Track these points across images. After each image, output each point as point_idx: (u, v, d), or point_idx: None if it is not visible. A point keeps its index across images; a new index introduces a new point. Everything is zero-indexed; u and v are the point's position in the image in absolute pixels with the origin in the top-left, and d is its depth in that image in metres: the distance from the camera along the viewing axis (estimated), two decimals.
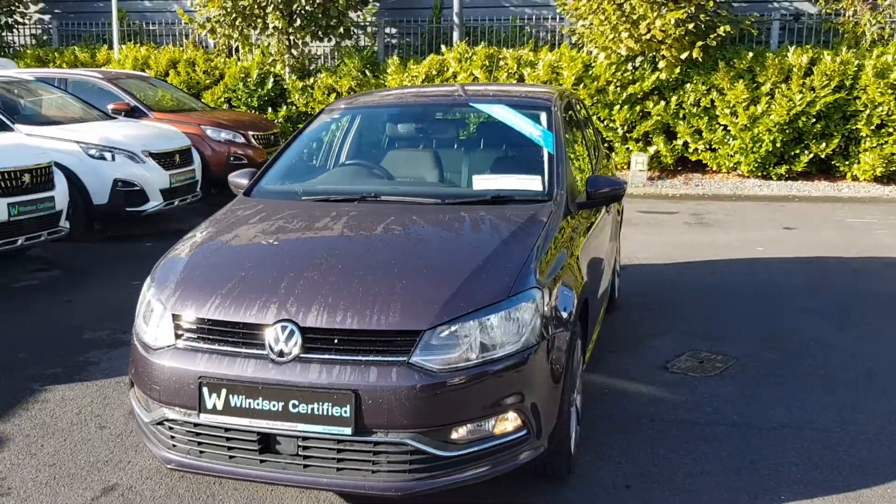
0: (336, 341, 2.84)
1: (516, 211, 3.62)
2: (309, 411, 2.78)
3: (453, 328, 2.85)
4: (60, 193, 7.19)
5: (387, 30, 15.71)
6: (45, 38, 16.66)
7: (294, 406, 2.79)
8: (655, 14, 11.51)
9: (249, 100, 13.77)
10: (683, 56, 11.75)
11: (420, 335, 2.82)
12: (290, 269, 3.13)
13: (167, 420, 3.00)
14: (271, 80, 13.92)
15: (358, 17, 14.07)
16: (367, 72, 13.69)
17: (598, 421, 4.03)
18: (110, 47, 15.11)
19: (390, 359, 2.81)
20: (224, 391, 2.85)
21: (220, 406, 2.86)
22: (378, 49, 15.28)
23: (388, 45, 15.69)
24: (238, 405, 2.84)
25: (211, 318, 2.97)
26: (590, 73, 12.39)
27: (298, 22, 13.33)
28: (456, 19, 14.19)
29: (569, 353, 3.16)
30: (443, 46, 13.42)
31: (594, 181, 3.99)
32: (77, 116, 9.23)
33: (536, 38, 14.68)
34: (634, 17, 11.61)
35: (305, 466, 2.85)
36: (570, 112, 4.79)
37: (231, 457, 2.91)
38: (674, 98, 12.15)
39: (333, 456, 2.82)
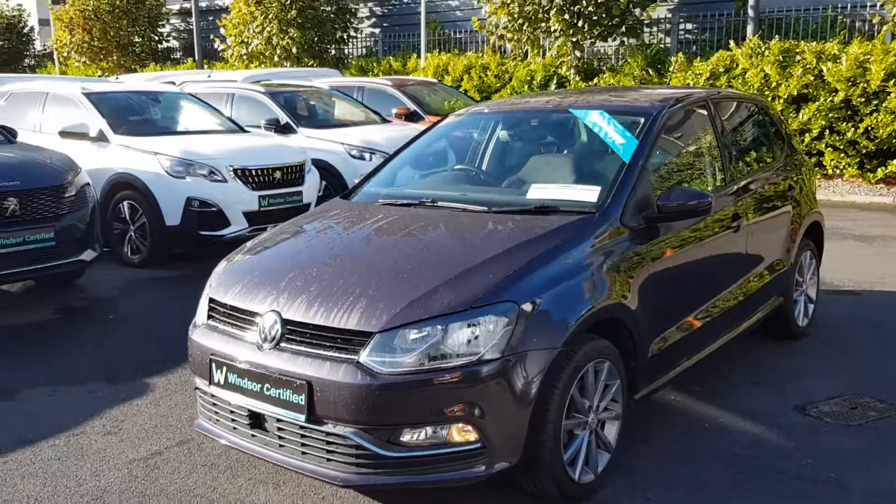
0: (307, 334, 3.06)
1: (550, 222, 3.48)
2: (276, 395, 3.04)
3: (405, 333, 2.91)
4: (309, 189, 8.20)
5: (685, 25, 15.12)
6: (374, 49, 18.73)
7: (267, 389, 3.07)
8: None
9: None
10: None
11: (371, 336, 2.92)
12: (301, 265, 3.41)
13: (197, 388, 3.47)
14: (555, 81, 14.20)
15: (642, 14, 13.73)
16: (649, 70, 13.34)
17: (670, 453, 3.71)
18: (419, 56, 16.53)
19: (343, 356, 2.95)
20: (224, 368, 3.23)
21: (222, 381, 3.25)
22: (670, 46, 14.77)
23: (685, 42, 15.08)
24: (233, 382, 3.20)
25: (229, 304, 3.36)
26: None
27: (581, 23, 13.41)
28: (751, 11, 13.19)
29: (552, 374, 3.01)
30: (731, 42, 12.55)
31: (668, 194, 3.65)
32: (358, 120, 10.37)
33: (850, 30, 13.07)
34: None
35: (281, 446, 3.11)
36: (705, 118, 4.38)
37: (234, 428, 3.28)
38: None
39: (299, 440, 3.05)
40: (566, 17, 13.34)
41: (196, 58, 19.55)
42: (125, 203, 7.82)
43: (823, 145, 11.48)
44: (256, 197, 7.73)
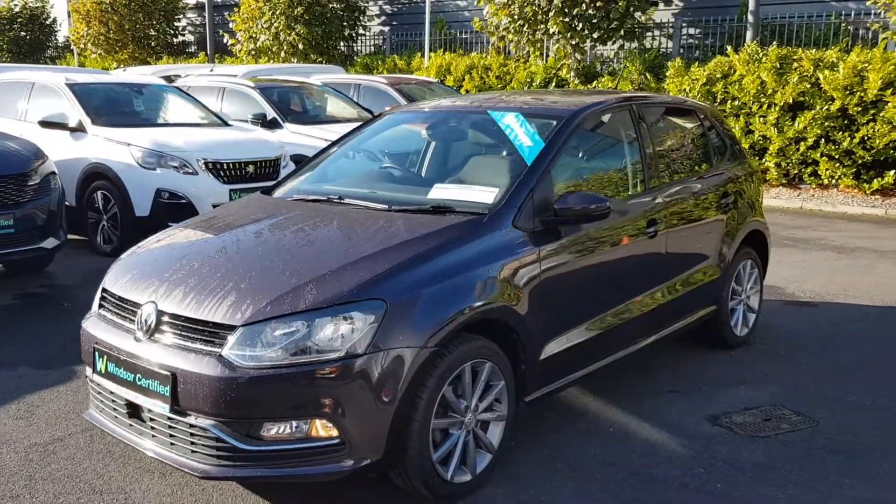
0: (178, 326, 3.11)
1: (439, 222, 3.49)
2: (146, 385, 3.09)
3: (268, 327, 2.94)
4: None
5: (688, 30, 15.00)
6: (382, 47, 18.80)
7: (139, 379, 3.12)
8: None
9: None
10: None
11: (235, 330, 2.96)
12: (187, 258, 3.45)
13: (87, 376, 3.53)
14: (554, 83, 14.16)
15: (642, 18, 13.64)
16: (647, 75, 13.25)
17: (561, 457, 3.71)
18: (423, 55, 16.57)
19: (207, 349, 2.99)
20: (105, 357, 3.29)
21: (103, 370, 3.30)
22: (672, 50, 14.66)
23: (688, 46, 14.97)
24: (112, 372, 3.26)
25: (116, 294, 3.42)
26: None
27: (580, 25, 13.36)
28: (750, 17, 13.04)
29: (419, 373, 3.03)
30: (729, 48, 12.43)
31: (566, 197, 3.65)
32: (349, 117, 10.42)
33: (854, 38, 12.88)
34: None
35: (153, 437, 3.16)
36: (627, 123, 4.36)
37: (115, 417, 3.33)
38: None
39: (168, 431, 3.09)
40: (565, 19, 13.29)
41: (208, 52, 19.76)
42: (99, 193, 7.95)
43: (819, 154, 11.34)
44: (227, 190, 7.80)
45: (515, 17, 13.89)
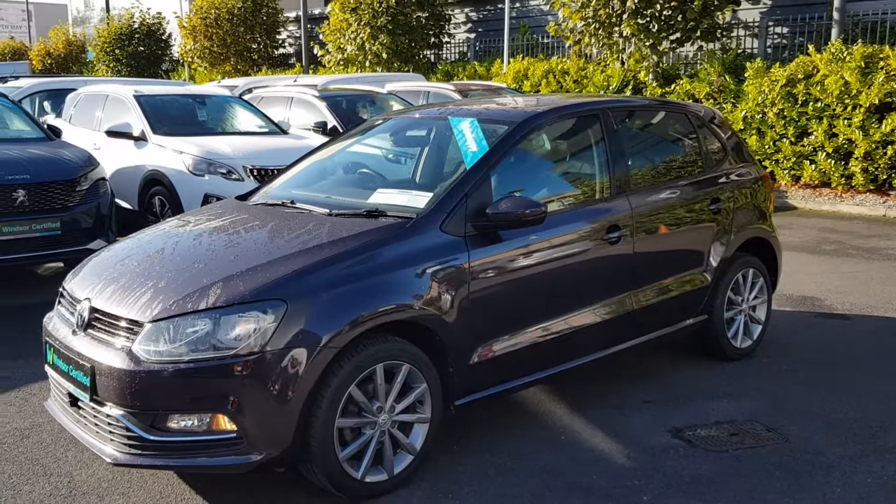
0: (104, 321, 3.32)
1: (363, 226, 3.56)
2: (75, 376, 3.32)
3: (171, 324, 3.10)
4: None
5: (776, 29, 14.37)
6: (467, 54, 18.96)
7: (71, 370, 3.35)
8: None
9: None
10: None
11: (142, 326, 3.14)
12: (129, 258, 3.68)
13: (46, 370, 3.80)
14: (631, 87, 13.88)
15: (719, 17, 13.16)
16: (727, 77, 12.79)
17: (493, 462, 3.70)
18: (503, 61, 16.60)
19: (121, 343, 3.18)
20: (52, 350, 3.54)
21: (50, 361, 3.57)
22: (758, 50, 14.08)
23: (776, 47, 14.33)
24: (55, 363, 3.51)
25: (67, 291, 3.69)
26: None
27: (655, 27, 13.05)
28: (835, 14, 12.36)
29: (320, 372, 3.12)
30: (811, 47, 11.83)
31: (498, 202, 3.64)
32: None
33: None
34: None
35: (84, 425, 3.38)
36: (591, 128, 4.29)
37: (63, 407, 3.59)
38: None
39: (93, 420, 3.31)
40: (639, 21, 13.01)
41: (303, 63, 20.50)
42: (156, 198, 8.46)
43: None
44: None
45: (590, 20, 13.71)
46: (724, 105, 12.54)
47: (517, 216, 3.60)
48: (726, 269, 4.87)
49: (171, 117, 9.10)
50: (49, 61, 29.49)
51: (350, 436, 3.31)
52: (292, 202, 4.06)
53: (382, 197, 3.92)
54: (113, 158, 8.90)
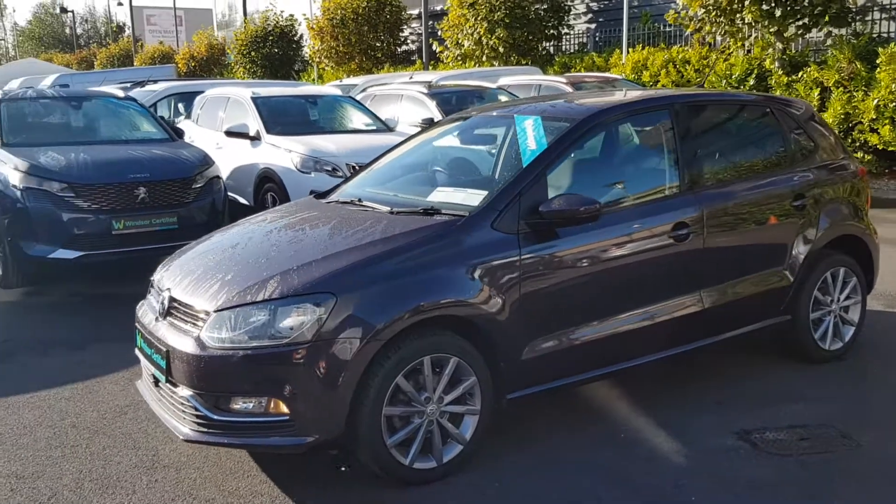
0: (180, 310, 3.62)
1: (418, 223, 3.69)
2: (155, 359, 3.64)
3: (232, 314, 3.35)
4: None
5: None
6: (586, 46, 18.72)
7: (153, 354, 3.67)
8: None
9: None
10: None
11: (209, 314, 3.41)
12: (210, 252, 3.96)
13: (136, 353, 4.16)
14: (755, 75, 13.33)
15: (850, 2, 12.40)
16: (857, 63, 12.06)
17: (544, 456, 3.76)
18: (622, 51, 16.30)
19: (193, 330, 3.46)
20: (140, 335, 3.89)
21: (137, 345, 3.92)
22: (894, 34, 13.19)
23: None
24: (141, 346, 3.85)
25: (155, 281, 4.02)
26: None
27: (779, 12, 12.46)
28: None
29: (367, 362, 3.28)
30: None
31: (552, 199, 3.68)
32: None
33: None
34: None
35: (164, 404, 3.70)
36: (660, 123, 4.24)
37: (148, 387, 3.92)
38: None
39: (169, 399, 3.61)
40: (762, 6, 12.47)
41: (423, 59, 20.88)
42: (269, 194, 8.94)
43: None
44: None
45: (710, 7, 13.26)
46: (854, 93, 11.84)
47: (570, 213, 3.64)
48: (812, 268, 4.67)
49: (284, 117, 9.56)
50: (193, 64, 31.36)
51: (399, 423, 3.46)
52: (360, 200, 4.25)
53: (441, 195, 4.04)
54: (232, 157, 9.47)
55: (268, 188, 8.96)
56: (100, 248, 6.91)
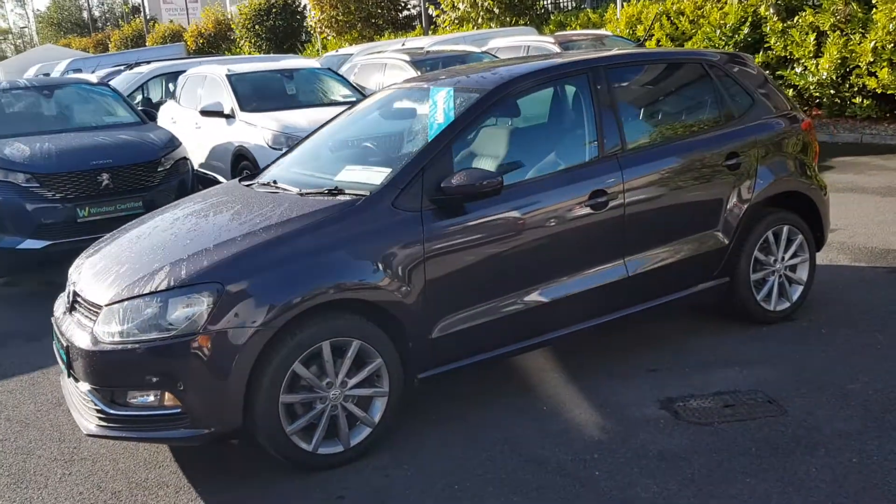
0: (80, 304, 3.61)
1: (315, 205, 3.62)
2: (61, 354, 3.65)
3: (121, 307, 3.33)
4: None
5: None
6: (583, 3, 18.33)
7: (59, 347, 3.69)
8: None
9: (725, 47, 13.11)
10: None
11: (101, 309, 3.40)
12: (116, 244, 3.94)
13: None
14: (749, 23, 12.94)
15: None
16: (854, 4, 11.63)
17: (457, 434, 3.72)
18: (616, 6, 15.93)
19: (89, 325, 3.45)
20: (55, 327, 3.90)
21: (54, 337, 3.92)
22: None
23: None
24: (55, 338, 3.84)
25: (69, 273, 4.02)
26: None
27: None
28: None
29: (259, 350, 3.24)
30: None
31: (452, 176, 3.58)
32: None
33: None
34: None
35: (72, 398, 3.70)
36: (577, 89, 4.10)
37: (63, 381, 3.92)
38: None
39: (75, 394, 3.61)
40: None
41: (423, 24, 20.62)
42: (244, 172, 8.91)
43: None
44: None
45: None
46: (851, 36, 11.43)
47: (471, 188, 3.55)
48: (750, 228, 4.54)
49: (258, 94, 9.47)
50: (201, 41, 31.37)
51: (301, 410, 3.43)
52: (275, 182, 4.19)
53: (348, 174, 3.96)
54: (209, 136, 9.45)
55: (243, 166, 8.92)
56: (66, 237, 6.94)
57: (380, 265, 3.49)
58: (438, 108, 3.95)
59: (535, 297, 3.88)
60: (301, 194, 3.88)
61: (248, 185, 4.35)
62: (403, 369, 3.62)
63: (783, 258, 4.73)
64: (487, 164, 3.95)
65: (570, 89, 4.16)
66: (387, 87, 4.96)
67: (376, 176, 3.77)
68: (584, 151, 4.09)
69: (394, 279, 3.51)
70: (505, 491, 3.27)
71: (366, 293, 3.47)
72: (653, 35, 14.38)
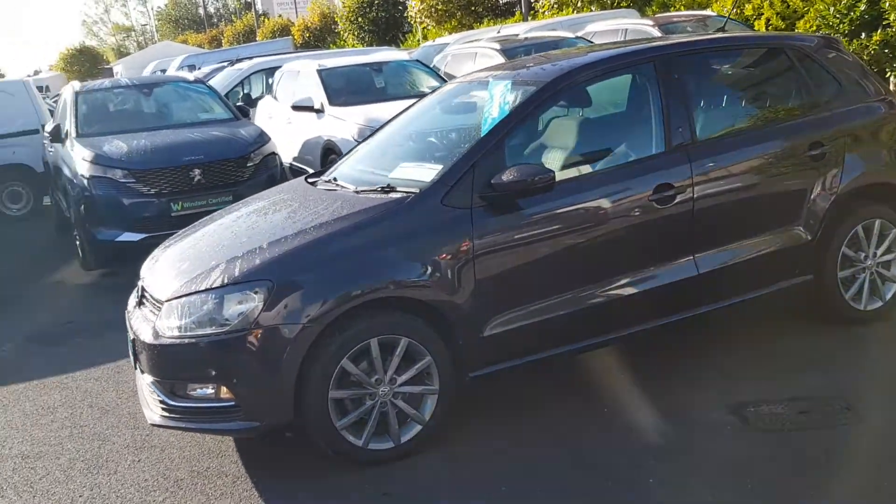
0: (147, 299, 3.75)
1: (367, 203, 3.62)
2: (129, 346, 3.79)
3: (179, 303, 3.43)
4: None
5: None
6: None
7: (129, 339, 3.83)
8: None
9: (840, 25, 12.33)
10: None
11: (162, 304, 3.51)
12: (181, 242, 4.05)
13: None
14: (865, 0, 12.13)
15: None
16: None
17: (509, 435, 3.65)
18: None
19: (153, 319, 3.57)
20: (127, 321, 4.06)
21: (127, 330, 4.09)
22: None
23: None
24: (128, 330, 4.00)
25: (141, 269, 4.18)
26: None
27: None
28: None
29: (308, 347, 3.28)
30: None
31: (503, 171, 3.49)
32: None
33: None
34: None
35: (140, 389, 3.85)
36: (647, 78, 3.93)
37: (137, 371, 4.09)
38: None
39: (143, 386, 3.76)
40: None
41: (522, 10, 20.38)
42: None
43: None
44: None
45: None
46: None
47: (523, 185, 3.46)
48: (837, 222, 4.24)
49: (348, 88, 9.61)
50: (308, 35, 32.14)
51: (351, 406, 3.45)
52: (335, 180, 4.22)
53: (402, 171, 3.94)
54: (300, 131, 9.66)
55: (332, 160, 9.08)
56: (161, 230, 7.24)
57: (428, 263, 3.46)
58: (495, 101, 3.87)
59: (592, 295, 3.75)
60: (356, 192, 3.89)
61: (312, 183, 4.40)
62: (454, 367, 3.58)
63: (875, 254, 4.40)
64: (544, 158, 3.85)
65: (635, 79, 3.99)
66: (452, 80, 4.91)
67: (428, 173, 3.73)
68: (650, 144, 3.92)
69: (442, 277, 3.47)
70: (553, 494, 3.19)
71: (413, 291, 3.44)
72: (762, 14, 13.70)
